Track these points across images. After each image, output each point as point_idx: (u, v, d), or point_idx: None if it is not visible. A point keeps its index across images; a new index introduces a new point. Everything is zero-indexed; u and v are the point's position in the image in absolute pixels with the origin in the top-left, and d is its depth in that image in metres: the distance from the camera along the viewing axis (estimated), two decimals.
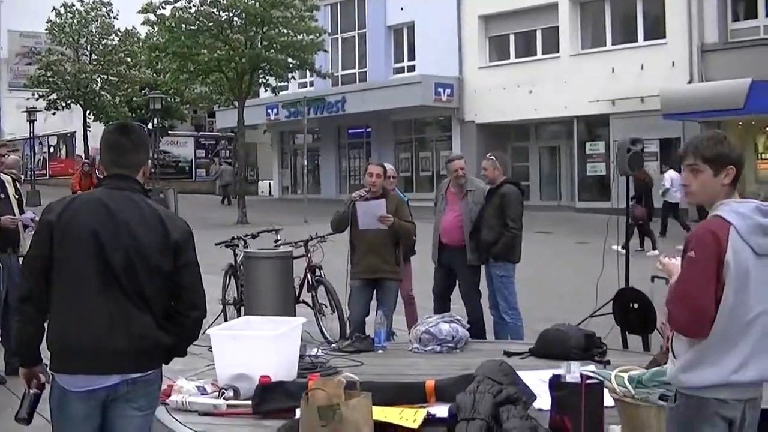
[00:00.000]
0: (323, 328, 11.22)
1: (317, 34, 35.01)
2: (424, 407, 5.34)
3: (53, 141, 65.03)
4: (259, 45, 33.78)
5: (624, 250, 10.84)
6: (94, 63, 46.39)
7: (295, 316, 11.30)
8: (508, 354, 7.28)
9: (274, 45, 33.93)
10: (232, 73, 34.62)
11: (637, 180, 22.12)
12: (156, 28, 35.42)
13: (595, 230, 21.74)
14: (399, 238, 9.84)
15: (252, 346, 6.15)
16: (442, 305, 10.55)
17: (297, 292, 11.38)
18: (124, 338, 4.29)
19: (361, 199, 9.70)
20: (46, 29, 47.24)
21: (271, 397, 5.66)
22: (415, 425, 4.94)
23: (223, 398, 5.84)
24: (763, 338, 3.95)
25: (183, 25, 33.87)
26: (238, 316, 11.34)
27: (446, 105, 38.03)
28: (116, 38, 48.45)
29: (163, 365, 4.61)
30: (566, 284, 16.32)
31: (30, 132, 46.45)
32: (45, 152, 65.38)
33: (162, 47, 34.65)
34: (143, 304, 4.35)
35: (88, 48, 46.80)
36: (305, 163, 39.72)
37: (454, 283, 10.65)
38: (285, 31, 33.94)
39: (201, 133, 63.28)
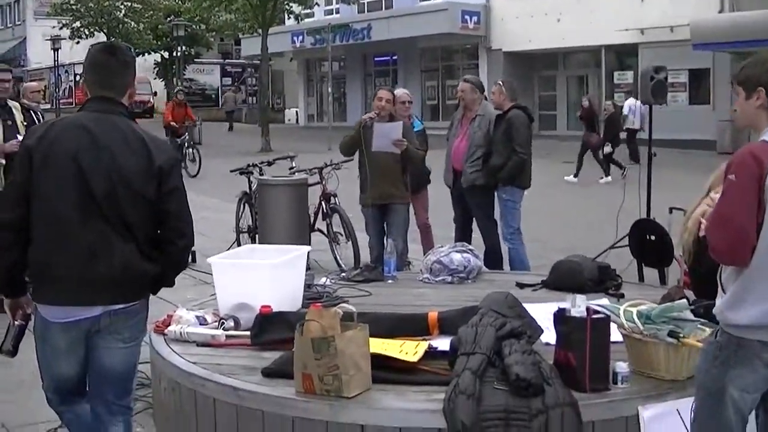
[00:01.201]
0: (338, 257, 11.08)
1: None
2: (426, 340, 5.16)
3: (79, 69, 64.92)
4: None
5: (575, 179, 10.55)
6: None
7: (309, 244, 11.18)
8: (521, 285, 7.10)
9: None
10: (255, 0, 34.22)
11: (588, 111, 24.10)
12: None
13: (623, 161, 21.57)
14: (408, 163, 9.67)
15: (252, 275, 5.97)
16: (462, 234, 10.37)
17: (312, 220, 11.20)
18: (106, 268, 4.11)
19: (371, 121, 9.47)
20: None
21: (270, 328, 5.50)
22: (415, 358, 4.77)
23: (223, 329, 5.69)
24: None
25: None
26: (253, 244, 11.19)
27: (473, 33, 37.71)
28: None
29: (168, 295, 4.47)
30: (588, 215, 16.10)
31: (54, 60, 46.29)
32: (71, 81, 65.36)
33: None
34: (126, 232, 4.17)
35: None
36: (329, 91, 39.39)
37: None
38: None
39: (227, 60, 63.01)
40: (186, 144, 25.10)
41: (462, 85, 10.36)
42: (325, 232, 11.28)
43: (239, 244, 11.50)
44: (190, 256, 6.17)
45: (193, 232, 4.36)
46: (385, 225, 9.78)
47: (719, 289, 3.87)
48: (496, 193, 10.10)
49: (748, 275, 3.70)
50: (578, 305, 4.46)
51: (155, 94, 59.01)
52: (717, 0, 29.89)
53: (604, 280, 6.84)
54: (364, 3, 42.39)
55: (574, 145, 30.17)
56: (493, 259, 10.24)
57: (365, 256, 10.15)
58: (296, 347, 4.54)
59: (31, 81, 23.10)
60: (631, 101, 26.93)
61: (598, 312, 4.57)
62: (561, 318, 4.53)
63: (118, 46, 4.51)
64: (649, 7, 31.47)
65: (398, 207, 9.65)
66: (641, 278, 8.16)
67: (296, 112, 52.57)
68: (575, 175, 22.68)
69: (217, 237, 12.43)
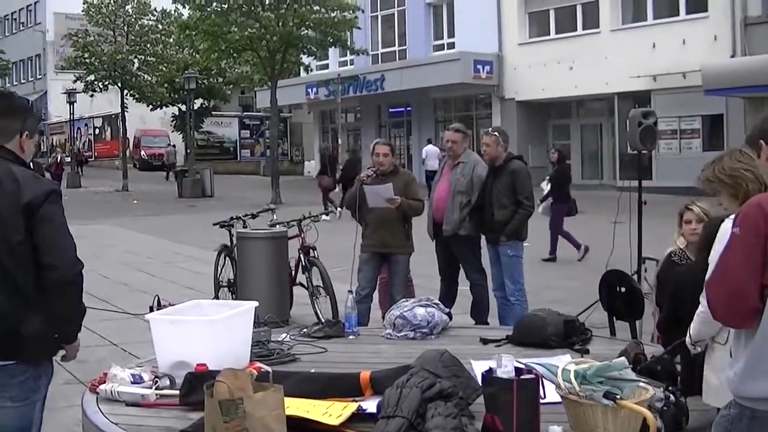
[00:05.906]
0: (318, 311, 10.81)
1: (350, 11, 34.53)
2: (357, 401, 4.86)
3: (99, 123, 65.37)
4: (291, 23, 33.34)
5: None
6: (131, 43, 46.04)
7: (291, 298, 10.97)
8: (484, 341, 6.75)
9: (306, 23, 33.54)
10: (263, 52, 34.26)
11: (329, 155, 28.97)
12: (187, 7, 35.01)
13: (634, 209, 21.13)
14: (408, 214, 9.73)
15: (191, 332, 5.71)
16: (448, 287, 10.10)
17: (293, 274, 10.98)
18: None
19: (368, 179, 9.64)
20: (82, 10, 46.79)
21: (200, 387, 5.21)
22: (337, 421, 4.46)
23: (156, 387, 5.42)
24: None
25: (213, 3, 33.57)
26: (234, 298, 10.98)
27: (485, 82, 37.65)
28: (153, 18, 47.80)
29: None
30: (585, 265, 15.77)
31: (70, 113, 46.45)
32: (90, 134, 65.73)
33: (193, 26, 34.31)
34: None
35: (125, 28, 46.45)
36: (339, 143, 39.36)
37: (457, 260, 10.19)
38: (317, 8, 33.53)
39: (245, 113, 63.29)
40: None
41: (448, 134, 10.28)
42: (305, 285, 11.03)
43: (217, 299, 11.26)
44: None
45: (68, 264, 4.09)
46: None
47: (727, 355, 3.55)
48: (493, 248, 9.84)
49: (760, 342, 3.32)
50: (504, 365, 4.15)
51: (174, 146, 59.33)
52: (729, 45, 29.65)
53: (570, 335, 6.50)
54: (377, 54, 42.46)
55: (587, 194, 29.90)
56: (480, 312, 9.96)
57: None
58: (206, 409, 4.28)
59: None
60: (429, 147, 32.62)
61: (532, 371, 4.26)
62: (487, 379, 4.22)
63: (4, 93, 4.36)
64: (661, 54, 31.28)
65: (399, 257, 9.76)
66: (613, 332, 7.80)
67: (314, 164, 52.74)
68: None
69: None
